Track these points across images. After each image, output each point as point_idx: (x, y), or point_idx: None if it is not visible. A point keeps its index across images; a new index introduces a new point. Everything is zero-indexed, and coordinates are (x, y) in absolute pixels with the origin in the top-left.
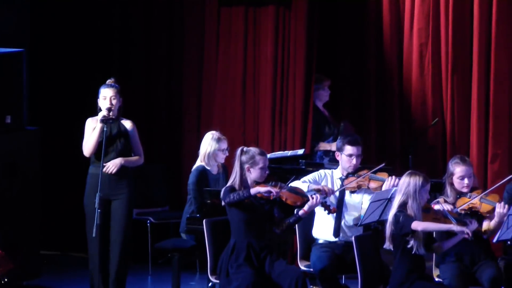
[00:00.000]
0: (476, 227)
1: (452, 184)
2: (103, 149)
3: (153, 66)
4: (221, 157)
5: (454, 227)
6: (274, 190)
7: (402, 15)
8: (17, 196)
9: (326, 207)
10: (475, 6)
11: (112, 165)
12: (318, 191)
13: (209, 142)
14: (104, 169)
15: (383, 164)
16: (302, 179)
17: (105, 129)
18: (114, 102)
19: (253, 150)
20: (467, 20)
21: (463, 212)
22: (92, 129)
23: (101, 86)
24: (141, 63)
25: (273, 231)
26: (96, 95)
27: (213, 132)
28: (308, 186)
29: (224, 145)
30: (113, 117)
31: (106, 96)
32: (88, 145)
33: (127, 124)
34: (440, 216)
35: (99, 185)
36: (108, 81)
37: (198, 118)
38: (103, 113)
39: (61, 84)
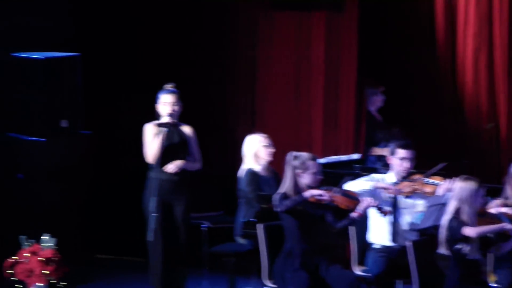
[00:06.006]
0: None
1: None
2: (161, 154)
3: (206, 71)
4: (265, 153)
5: (507, 225)
6: (326, 194)
7: (456, 20)
8: (73, 199)
9: (380, 209)
10: None
11: (173, 166)
12: (385, 189)
13: (250, 143)
14: (165, 168)
15: (444, 165)
16: (359, 179)
17: (165, 133)
18: (175, 108)
19: (304, 155)
20: None
21: None
22: (153, 135)
23: (159, 91)
24: (195, 68)
25: (327, 235)
26: (152, 100)
27: (251, 134)
28: (374, 184)
29: (265, 140)
30: (174, 122)
31: (167, 102)
32: (152, 151)
33: (187, 129)
34: (496, 220)
35: (157, 190)
36: (167, 86)
37: (252, 122)
38: (165, 119)
39: (114, 89)
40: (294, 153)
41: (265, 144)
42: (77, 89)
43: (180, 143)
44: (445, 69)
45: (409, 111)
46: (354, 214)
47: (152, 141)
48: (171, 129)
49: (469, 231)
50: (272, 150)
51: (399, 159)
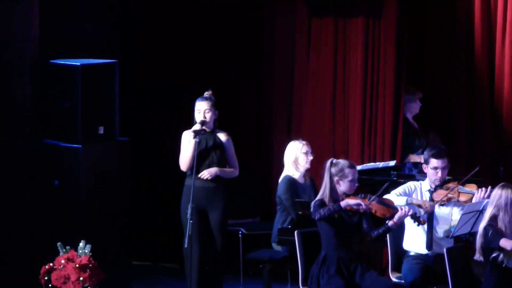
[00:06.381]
0: None
1: None
2: (195, 161)
3: (243, 77)
4: (305, 160)
5: None
6: (363, 203)
7: (494, 27)
8: (109, 206)
9: (416, 218)
10: None
11: (207, 173)
12: (418, 206)
13: (290, 149)
14: (199, 175)
15: (477, 169)
16: (393, 191)
17: (196, 140)
18: (208, 115)
19: (342, 162)
20: None
21: None
22: (188, 142)
23: (197, 98)
24: (232, 74)
25: (363, 242)
26: (188, 106)
27: (293, 140)
28: (407, 200)
29: (305, 148)
30: (206, 129)
31: (200, 109)
32: (184, 159)
33: (222, 136)
34: None
35: (192, 196)
36: (205, 94)
37: (288, 129)
38: (196, 126)
39: (151, 95)
40: (333, 160)
41: (304, 151)
42: (114, 96)
43: (215, 150)
44: (483, 76)
45: (446, 117)
46: (390, 223)
47: (185, 148)
48: (206, 136)
49: (505, 243)
50: (311, 157)
51: (432, 168)
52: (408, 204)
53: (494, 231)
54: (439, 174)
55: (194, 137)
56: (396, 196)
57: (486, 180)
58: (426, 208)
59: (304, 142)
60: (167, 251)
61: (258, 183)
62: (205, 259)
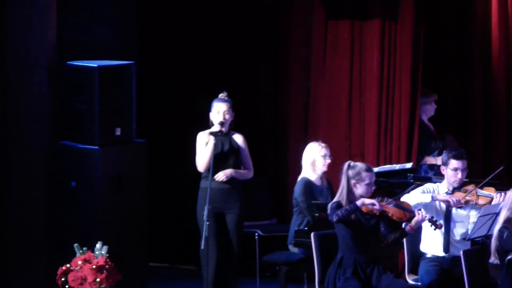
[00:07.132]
0: None
1: None
2: (212, 163)
3: (259, 78)
4: (322, 163)
5: None
6: (378, 204)
7: (511, 29)
8: (126, 207)
9: (433, 222)
10: None
11: (222, 174)
12: (445, 202)
13: (309, 151)
14: (214, 177)
15: (501, 168)
16: (415, 190)
17: (213, 142)
18: (227, 116)
19: (359, 165)
20: None
21: None
22: (205, 143)
23: (213, 100)
24: (247, 75)
25: (379, 245)
26: (204, 108)
27: (312, 142)
28: (433, 197)
29: (324, 151)
30: (224, 131)
31: (219, 110)
32: (202, 160)
33: (238, 138)
34: None
35: (208, 198)
36: (221, 95)
37: (305, 131)
38: (216, 127)
39: (168, 97)
40: (350, 163)
41: (323, 154)
42: (131, 97)
43: (231, 152)
44: (499, 78)
45: (462, 120)
46: (407, 228)
47: (202, 149)
48: (222, 137)
49: None
50: (329, 161)
51: (452, 169)
52: (434, 200)
53: (509, 233)
54: (459, 175)
55: (215, 137)
56: (420, 194)
57: (503, 183)
58: (453, 202)
59: (323, 145)
60: (183, 253)
61: (275, 185)
62: (221, 261)
